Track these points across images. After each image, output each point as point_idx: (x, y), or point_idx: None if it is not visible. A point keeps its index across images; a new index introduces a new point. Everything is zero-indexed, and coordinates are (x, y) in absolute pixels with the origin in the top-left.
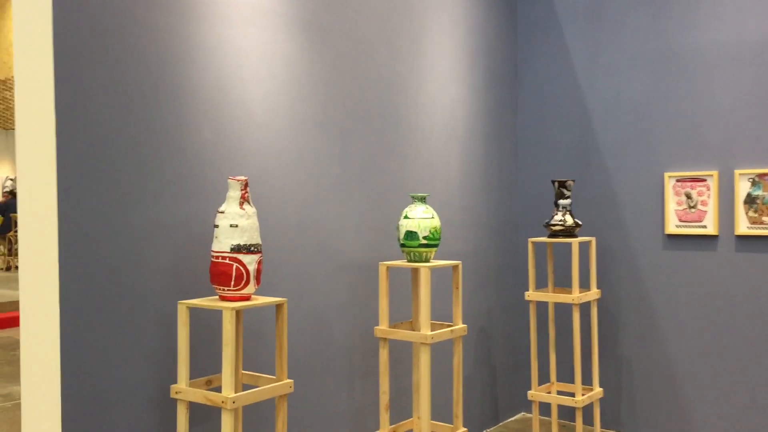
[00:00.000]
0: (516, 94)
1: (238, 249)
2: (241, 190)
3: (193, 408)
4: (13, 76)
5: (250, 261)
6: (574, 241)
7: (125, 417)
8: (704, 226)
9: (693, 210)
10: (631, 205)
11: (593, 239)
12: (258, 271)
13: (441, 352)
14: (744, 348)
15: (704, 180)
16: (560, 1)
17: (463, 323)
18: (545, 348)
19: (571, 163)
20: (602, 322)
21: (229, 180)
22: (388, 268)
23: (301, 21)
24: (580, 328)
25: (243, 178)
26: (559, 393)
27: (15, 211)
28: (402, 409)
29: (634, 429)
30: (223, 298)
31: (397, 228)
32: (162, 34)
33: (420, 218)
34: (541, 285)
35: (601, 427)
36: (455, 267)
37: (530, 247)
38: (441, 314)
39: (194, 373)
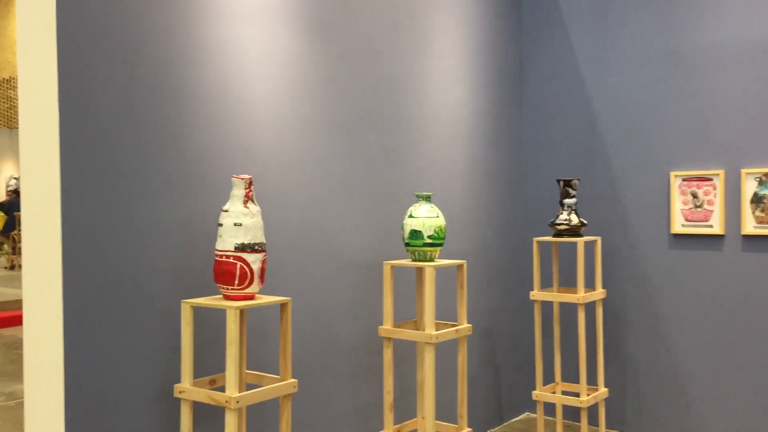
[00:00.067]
0: (521, 92)
1: (242, 248)
2: (245, 188)
3: (197, 407)
4: (16, 75)
5: (254, 260)
6: (580, 241)
7: (128, 416)
8: (710, 226)
9: (699, 209)
10: (637, 205)
11: (598, 239)
12: (262, 270)
13: (445, 351)
14: (750, 348)
15: (710, 179)
16: None
17: (468, 323)
18: (550, 348)
19: (576, 162)
20: (607, 321)
21: (233, 178)
22: (393, 267)
23: (304, 19)
24: (585, 327)
25: (247, 176)
26: (564, 393)
27: (19, 210)
28: (406, 409)
29: (639, 429)
30: (227, 297)
31: (402, 227)
32: (164, 33)
33: (425, 217)
34: (545, 284)
35: (606, 427)
36: (460, 266)
37: (535, 246)
38: (445, 314)
39: (198, 373)
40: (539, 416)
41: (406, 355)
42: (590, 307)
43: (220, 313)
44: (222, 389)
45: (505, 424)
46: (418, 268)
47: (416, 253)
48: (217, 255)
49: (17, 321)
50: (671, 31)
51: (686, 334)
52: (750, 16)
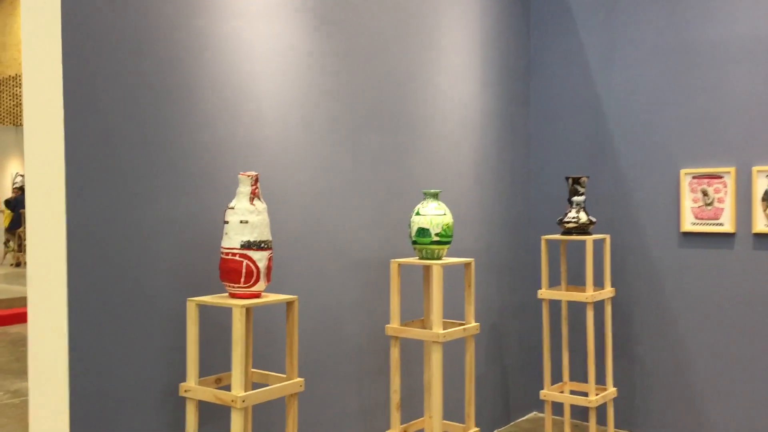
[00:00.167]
0: (529, 89)
1: (248, 245)
2: (252, 185)
3: (202, 406)
4: (22, 73)
5: (260, 258)
6: (588, 239)
7: (133, 415)
8: (721, 224)
9: (709, 207)
10: (647, 203)
11: (607, 237)
12: (268, 268)
13: (452, 350)
14: (761, 348)
15: (721, 177)
16: None
17: (475, 321)
18: (558, 347)
19: (585, 159)
20: (616, 320)
21: (240, 175)
22: (400, 265)
23: (313, 15)
24: (594, 326)
25: (253, 173)
26: (572, 393)
27: (25, 207)
28: (413, 408)
29: (648, 429)
30: (232, 296)
31: (409, 225)
32: (169, 30)
33: (432, 215)
34: (554, 283)
35: (615, 427)
36: (467, 264)
37: (543, 244)
38: (452, 312)
39: (203, 371)
40: (547, 416)
41: (414, 353)
42: (599, 306)
43: (226, 312)
44: (227, 388)
45: (512, 423)
46: (426, 266)
47: (423, 251)
48: (222, 253)
49: (23, 318)
50: (681, 26)
51: (696, 334)
52: (761, 12)
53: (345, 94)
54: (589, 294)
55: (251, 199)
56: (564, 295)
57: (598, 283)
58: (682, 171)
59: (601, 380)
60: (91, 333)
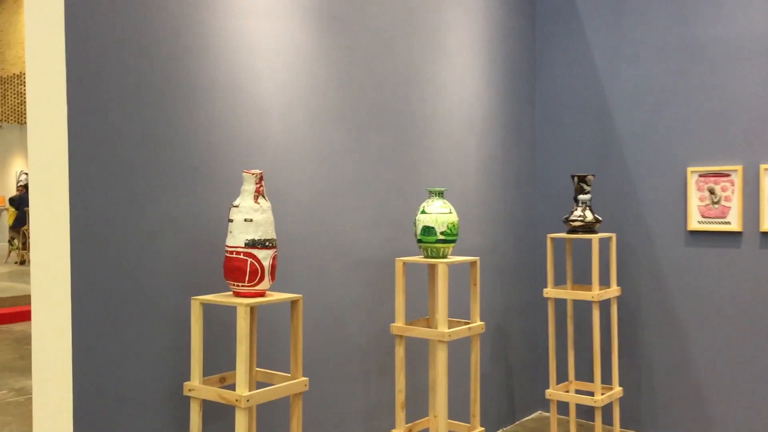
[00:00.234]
0: (534, 87)
1: (252, 244)
2: (256, 183)
3: (207, 405)
4: None
5: (264, 256)
6: (594, 237)
7: (137, 414)
8: (728, 223)
9: (716, 206)
10: (653, 201)
11: (613, 235)
12: (273, 267)
13: (457, 349)
14: (767, 347)
15: (728, 175)
16: None
17: (480, 320)
18: (563, 346)
19: (591, 157)
20: (622, 320)
21: (244, 173)
22: (405, 264)
23: (318, 12)
24: (600, 326)
25: (258, 171)
26: (578, 392)
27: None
28: (418, 407)
29: (654, 429)
30: (237, 294)
31: (414, 223)
32: (173, 27)
33: (437, 213)
34: (559, 282)
35: (621, 426)
36: (473, 263)
37: (549, 243)
38: (457, 311)
39: (207, 370)
40: (552, 415)
41: (418, 352)
42: (605, 305)
43: (230, 310)
44: (232, 387)
45: (517, 422)
46: (431, 264)
47: (429, 249)
48: (227, 251)
49: (27, 316)
50: (689, 23)
51: (703, 333)
52: (767, 10)
53: (349, 92)
54: (594, 293)
55: (256, 198)
56: (570, 294)
57: (604, 282)
58: (689, 169)
59: (606, 379)
60: (95, 331)
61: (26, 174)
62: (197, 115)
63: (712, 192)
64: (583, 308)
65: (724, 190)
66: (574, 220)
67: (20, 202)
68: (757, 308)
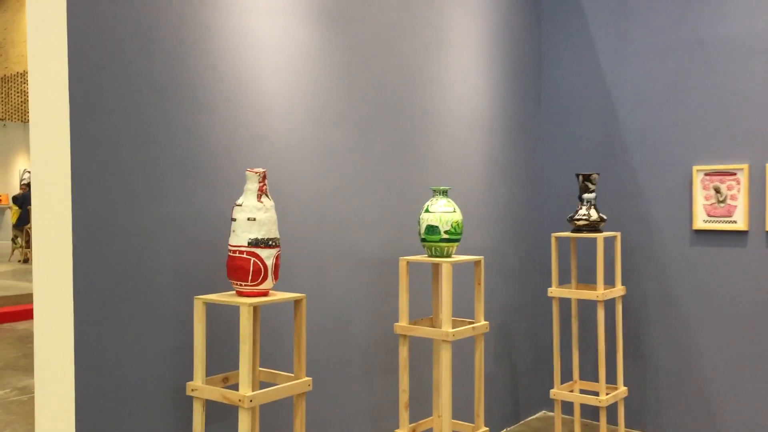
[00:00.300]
0: (539, 85)
1: (255, 243)
2: (259, 182)
3: (209, 405)
4: None
5: (268, 255)
6: (599, 237)
7: (139, 414)
8: (734, 222)
9: (722, 205)
10: (658, 200)
11: (618, 234)
12: (276, 266)
13: (461, 348)
14: None
15: (734, 173)
16: None
17: (484, 320)
18: (568, 345)
19: (595, 155)
20: (627, 319)
21: (247, 172)
22: (409, 263)
23: (320, 11)
24: (605, 325)
25: (261, 170)
26: (582, 392)
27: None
28: (422, 407)
29: (659, 429)
30: (240, 294)
31: (418, 222)
32: (176, 25)
33: (441, 212)
34: (564, 281)
35: (626, 426)
36: (477, 262)
37: (553, 242)
38: (461, 310)
39: (210, 370)
40: (557, 415)
41: (422, 352)
42: (610, 305)
43: (233, 310)
44: (235, 387)
45: (521, 422)
46: (435, 264)
47: (433, 248)
48: (230, 250)
49: (31, 315)
50: (694, 21)
51: (708, 333)
52: None
53: (353, 91)
54: (599, 292)
55: (259, 196)
56: (574, 293)
57: (609, 281)
58: (695, 168)
59: (611, 379)
60: (97, 331)
61: (29, 172)
62: (200, 113)
63: (717, 191)
64: (587, 308)
65: (729, 188)
66: (578, 219)
67: (24, 201)
68: (763, 308)
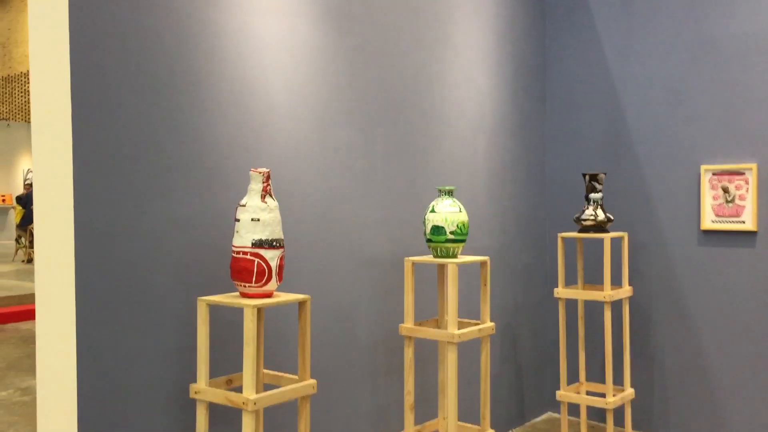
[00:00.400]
0: (545, 83)
1: (259, 244)
2: (263, 182)
3: (213, 407)
4: None
5: (272, 256)
6: (606, 237)
7: (142, 416)
8: (742, 222)
9: (730, 204)
10: (666, 200)
11: (625, 234)
12: (280, 267)
13: (466, 349)
14: None
15: (742, 173)
16: None
17: (490, 320)
18: (574, 347)
19: (602, 155)
20: (634, 320)
21: (251, 172)
22: (414, 263)
23: (325, 8)
24: (612, 326)
25: (265, 170)
26: (589, 393)
27: None
28: (427, 409)
29: (666, 431)
30: (244, 295)
31: (424, 222)
32: (179, 24)
33: (447, 212)
34: (570, 282)
35: (633, 428)
36: (483, 263)
37: (560, 242)
38: (466, 311)
39: (214, 372)
40: (563, 417)
41: (427, 353)
42: (616, 306)
43: (237, 311)
44: (238, 389)
45: (527, 424)
46: (440, 264)
47: (438, 249)
48: (234, 251)
49: (34, 315)
50: (701, 18)
51: (716, 334)
52: None
53: (357, 90)
54: (606, 293)
55: (263, 197)
56: (581, 294)
57: (616, 282)
58: (703, 167)
59: (618, 381)
60: (99, 332)
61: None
62: (203, 113)
63: (725, 190)
64: (594, 308)
65: (738, 188)
66: (585, 219)
67: (27, 201)
68: None
